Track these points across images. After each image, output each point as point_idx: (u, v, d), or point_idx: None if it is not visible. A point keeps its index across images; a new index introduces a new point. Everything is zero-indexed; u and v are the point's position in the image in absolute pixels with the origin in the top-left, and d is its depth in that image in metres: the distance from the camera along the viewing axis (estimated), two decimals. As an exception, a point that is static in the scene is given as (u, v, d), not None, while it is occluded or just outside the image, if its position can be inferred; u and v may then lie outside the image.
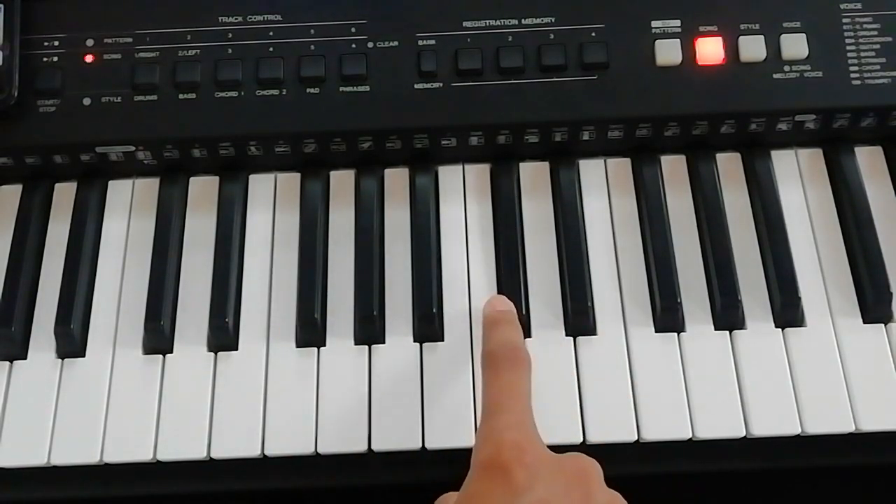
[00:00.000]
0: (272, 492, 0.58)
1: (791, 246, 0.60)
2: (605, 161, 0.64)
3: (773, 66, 0.61)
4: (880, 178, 0.63)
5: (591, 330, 0.58)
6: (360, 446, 0.55)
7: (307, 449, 0.56)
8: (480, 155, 0.64)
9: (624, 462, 0.56)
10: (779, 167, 0.63)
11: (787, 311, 0.58)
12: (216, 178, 0.64)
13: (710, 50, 0.61)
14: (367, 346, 0.58)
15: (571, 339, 0.58)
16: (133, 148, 0.62)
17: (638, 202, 0.63)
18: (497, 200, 0.63)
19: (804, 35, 0.61)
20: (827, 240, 0.61)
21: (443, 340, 0.58)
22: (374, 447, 0.55)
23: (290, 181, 0.64)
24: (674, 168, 0.64)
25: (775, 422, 0.55)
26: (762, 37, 0.61)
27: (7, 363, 0.59)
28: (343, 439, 0.56)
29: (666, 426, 0.55)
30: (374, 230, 0.61)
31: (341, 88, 0.61)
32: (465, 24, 0.62)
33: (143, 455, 0.56)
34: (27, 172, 0.64)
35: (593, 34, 0.62)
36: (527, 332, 0.58)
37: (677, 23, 0.62)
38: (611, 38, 0.62)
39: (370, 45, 0.62)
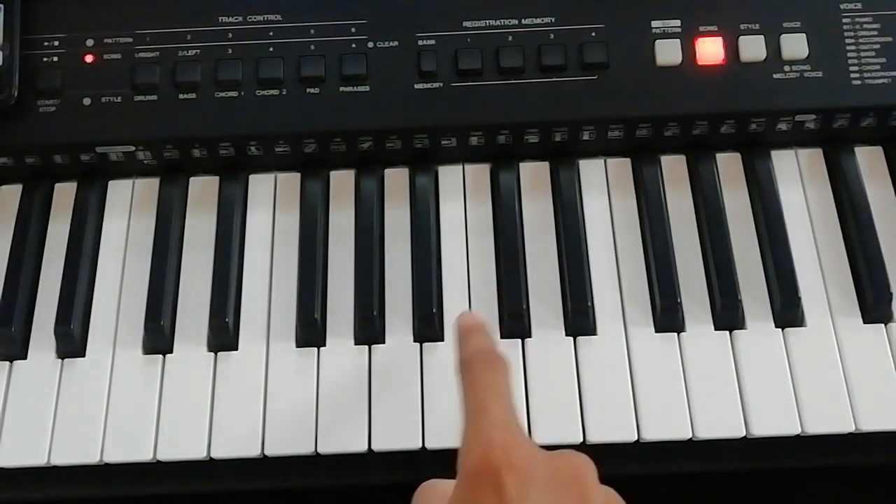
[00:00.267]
0: (272, 492, 0.58)
1: (791, 246, 0.60)
2: (605, 161, 0.64)
3: (773, 66, 0.61)
4: (880, 178, 0.63)
5: (591, 330, 0.58)
6: (360, 446, 0.55)
7: (307, 449, 0.56)
8: (480, 155, 0.64)
9: (624, 462, 0.56)
10: (779, 167, 0.63)
11: (787, 311, 0.58)
12: (216, 178, 0.64)
13: (710, 50, 0.61)
14: (367, 346, 0.58)
15: (571, 338, 0.58)
16: (133, 148, 0.62)
17: (638, 202, 0.63)
18: (497, 200, 0.63)
19: (804, 35, 0.61)
20: (827, 240, 0.61)
21: (443, 340, 0.58)
22: (374, 447, 0.55)
23: (290, 181, 0.64)
24: (674, 168, 0.64)
25: (775, 422, 0.55)
26: (762, 37, 0.61)
27: (7, 363, 0.59)
28: (343, 439, 0.56)
29: (666, 426, 0.55)
30: (374, 230, 0.61)
31: (341, 88, 0.61)
32: (465, 24, 0.62)
33: (143, 455, 0.56)
34: (27, 172, 0.64)
35: (593, 34, 0.62)
36: (527, 332, 0.58)
37: (677, 23, 0.62)
38: (611, 38, 0.62)
39: (370, 45, 0.62)
